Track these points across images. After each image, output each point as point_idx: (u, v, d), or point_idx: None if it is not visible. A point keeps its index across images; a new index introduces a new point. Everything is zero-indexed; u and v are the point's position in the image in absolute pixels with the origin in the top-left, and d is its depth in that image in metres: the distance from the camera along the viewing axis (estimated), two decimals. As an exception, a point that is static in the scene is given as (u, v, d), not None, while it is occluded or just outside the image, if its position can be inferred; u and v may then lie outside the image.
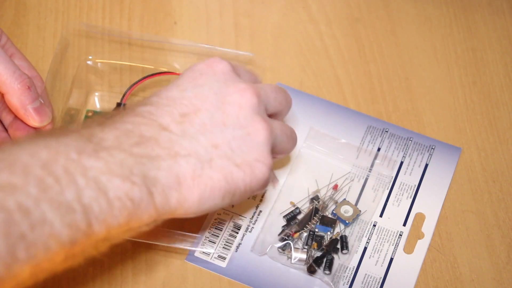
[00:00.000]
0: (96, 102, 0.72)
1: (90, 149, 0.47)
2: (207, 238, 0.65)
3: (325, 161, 0.70)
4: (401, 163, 0.70)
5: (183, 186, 0.51)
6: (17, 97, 0.61)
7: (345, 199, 0.67)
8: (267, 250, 0.64)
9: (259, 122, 0.55)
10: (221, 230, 0.66)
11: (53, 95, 0.69)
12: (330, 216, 0.66)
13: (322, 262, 0.64)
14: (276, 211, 0.67)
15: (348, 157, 0.70)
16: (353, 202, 0.67)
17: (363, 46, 0.78)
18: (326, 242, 0.65)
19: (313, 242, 0.64)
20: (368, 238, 0.66)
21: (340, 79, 0.76)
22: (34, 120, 0.62)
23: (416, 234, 0.67)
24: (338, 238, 0.65)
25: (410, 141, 0.71)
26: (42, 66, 0.74)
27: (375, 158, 0.70)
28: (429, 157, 0.71)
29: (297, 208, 0.67)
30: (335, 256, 0.64)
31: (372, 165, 0.70)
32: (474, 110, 0.74)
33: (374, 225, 0.67)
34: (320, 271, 0.63)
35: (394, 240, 0.66)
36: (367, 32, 0.79)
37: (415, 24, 0.80)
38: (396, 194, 0.68)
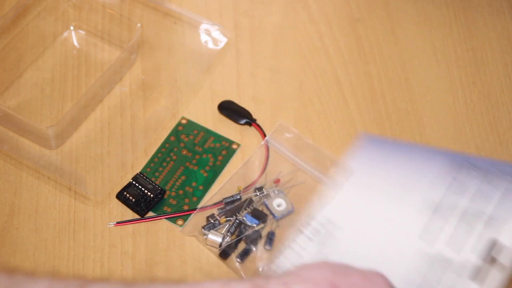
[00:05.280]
0: (74, 39, 0.71)
1: None
2: None
3: (284, 157, 0.69)
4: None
5: None
6: None
7: (283, 193, 0.67)
8: (197, 233, 0.65)
9: None
10: None
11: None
12: (262, 209, 0.66)
13: (238, 250, 0.64)
14: (221, 195, 0.67)
15: (308, 158, 0.69)
16: (301, 203, 0.66)
17: (363, 46, 0.78)
18: (248, 232, 0.65)
19: (236, 230, 0.65)
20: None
21: (340, 79, 0.75)
22: None
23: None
24: (261, 231, 0.65)
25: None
26: (42, 65, 0.74)
27: (334, 166, 0.67)
28: None
29: (238, 194, 0.67)
30: (253, 248, 0.64)
31: (328, 172, 0.68)
32: (474, 110, 0.74)
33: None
34: (233, 258, 0.63)
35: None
36: (367, 32, 0.79)
37: (415, 24, 0.80)
38: None
